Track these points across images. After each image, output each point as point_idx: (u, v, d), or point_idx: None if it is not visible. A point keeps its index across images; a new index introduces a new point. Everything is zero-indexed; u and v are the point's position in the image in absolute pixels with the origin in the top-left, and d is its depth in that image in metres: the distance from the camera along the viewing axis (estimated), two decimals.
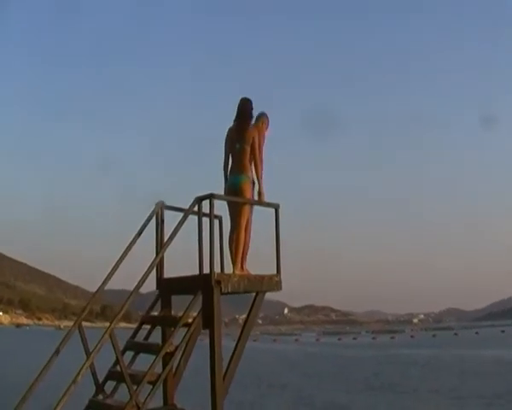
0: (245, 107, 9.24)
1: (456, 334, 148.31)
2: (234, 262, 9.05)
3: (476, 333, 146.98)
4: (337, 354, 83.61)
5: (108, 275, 8.44)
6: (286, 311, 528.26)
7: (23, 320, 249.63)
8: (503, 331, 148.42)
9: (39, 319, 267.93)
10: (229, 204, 9.22)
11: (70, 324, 8.44)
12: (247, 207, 9.14)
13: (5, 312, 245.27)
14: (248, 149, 9.03)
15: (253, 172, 9.14)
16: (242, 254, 9.07)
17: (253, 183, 9.17)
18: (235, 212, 9.14)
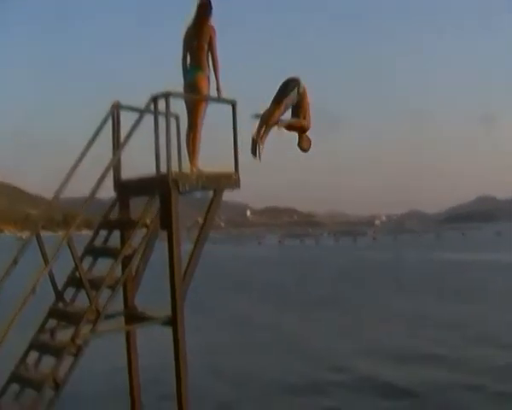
0: (204, 6, 9.04)
1: (417, 237, 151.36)
2: (191, 161, 8.87)
3: (437, 236, 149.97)
4: (300, 256, 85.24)
5: (64, 181, 8.10)
6: (248, 213, 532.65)
7: None
8: (463, 234, 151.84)
9: (0, 230, 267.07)
10: (186, 102, 8.99)
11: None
12: (203, 105, 8.94)
13: None
14: (205, 45, 8.92)
15: (211, 69, 8.95)
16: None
17: (209, 79, 8.99)
18: (192, 110, 8.93)
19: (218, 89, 8.89)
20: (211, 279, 44.62)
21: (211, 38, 8.93)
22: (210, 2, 9.09)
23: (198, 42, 8.93)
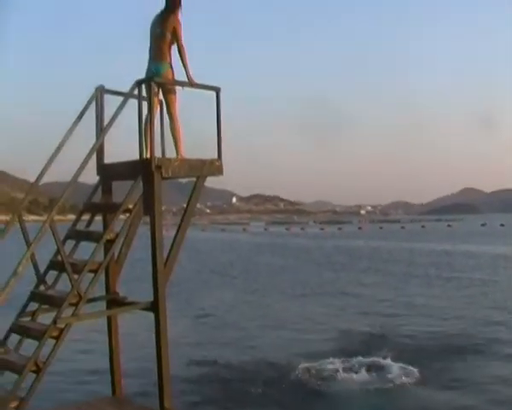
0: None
1: (403, 227, 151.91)
2: (177, 150, 8.86)
3: (423, 227, 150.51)
4: (285, 243, 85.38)
5: (47, 164, 8.05)
6: (234, 200, 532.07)
7: None
8: (449, 226, 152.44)
9: None
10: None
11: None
12: (174, 96, 8.93)
13: None
14: (169, 35, 8.82)
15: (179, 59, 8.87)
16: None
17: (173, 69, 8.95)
18: (166, 102, 8.92)
19: (189, 78, 8.75)
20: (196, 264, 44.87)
21: (175, 28, 8.82)
22: None
23: (161, 30, 8.83)
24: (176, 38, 8.82)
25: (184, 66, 8.79)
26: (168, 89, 8.88)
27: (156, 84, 8.50)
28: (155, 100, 8.59)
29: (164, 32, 8.80)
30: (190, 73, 8.77)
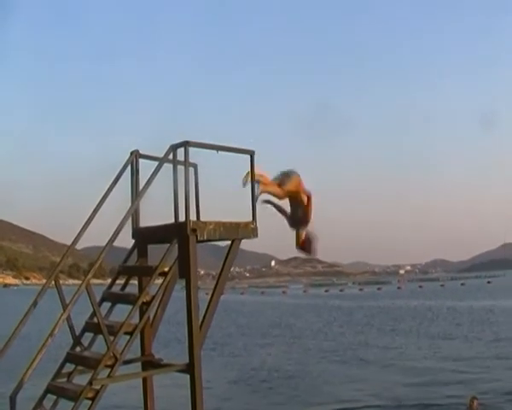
0: None
1: (442, 285, 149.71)
2: None
3: (462, 284, 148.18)
4: (326, 304, 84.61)
5: (83, 227, 8.24)
6: (273, 263, 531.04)
7: (10, 280, 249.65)
8: (489, 282, 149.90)
9: (27, 278, 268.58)
10: None
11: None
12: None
13: None
14: None
15: None
16: None
17: None
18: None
19: None
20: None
21: None
22: None
23: None
24: None
25: None
26: None
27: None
28: None
29: None
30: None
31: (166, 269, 8.14)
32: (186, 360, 8.15)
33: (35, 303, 7.75)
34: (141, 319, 7.99)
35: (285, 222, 9.47)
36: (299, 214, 9.31)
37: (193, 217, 8.45)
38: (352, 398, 20.55)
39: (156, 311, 8.82)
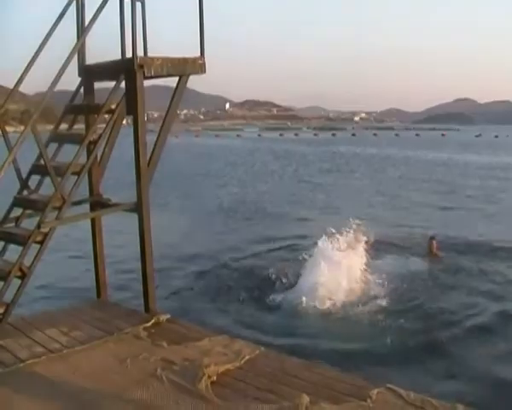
0: None
1: (397, 134, 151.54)
2: None
3: (417, 135, 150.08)
4: (280, 148, 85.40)
5: (27, 66, 7.77)
6: (228, 106, 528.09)
7: None
8: (443, 135, 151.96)
9: None
10: None
11: (8, 129, 7.98)
12: None
13: None
14: None
15: None
16: None
17: None
18: None
19: None
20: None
21: None
22: None
23: None
24: None
25: None
26: None
27: None
28: None
29: None
30: None
31: (113, 106, 7.89)
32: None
33: None
34: (88, 158, 7.80)
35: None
36: None
37: (140, 53, 8.15)
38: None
39: (104, 150, 8.64)
